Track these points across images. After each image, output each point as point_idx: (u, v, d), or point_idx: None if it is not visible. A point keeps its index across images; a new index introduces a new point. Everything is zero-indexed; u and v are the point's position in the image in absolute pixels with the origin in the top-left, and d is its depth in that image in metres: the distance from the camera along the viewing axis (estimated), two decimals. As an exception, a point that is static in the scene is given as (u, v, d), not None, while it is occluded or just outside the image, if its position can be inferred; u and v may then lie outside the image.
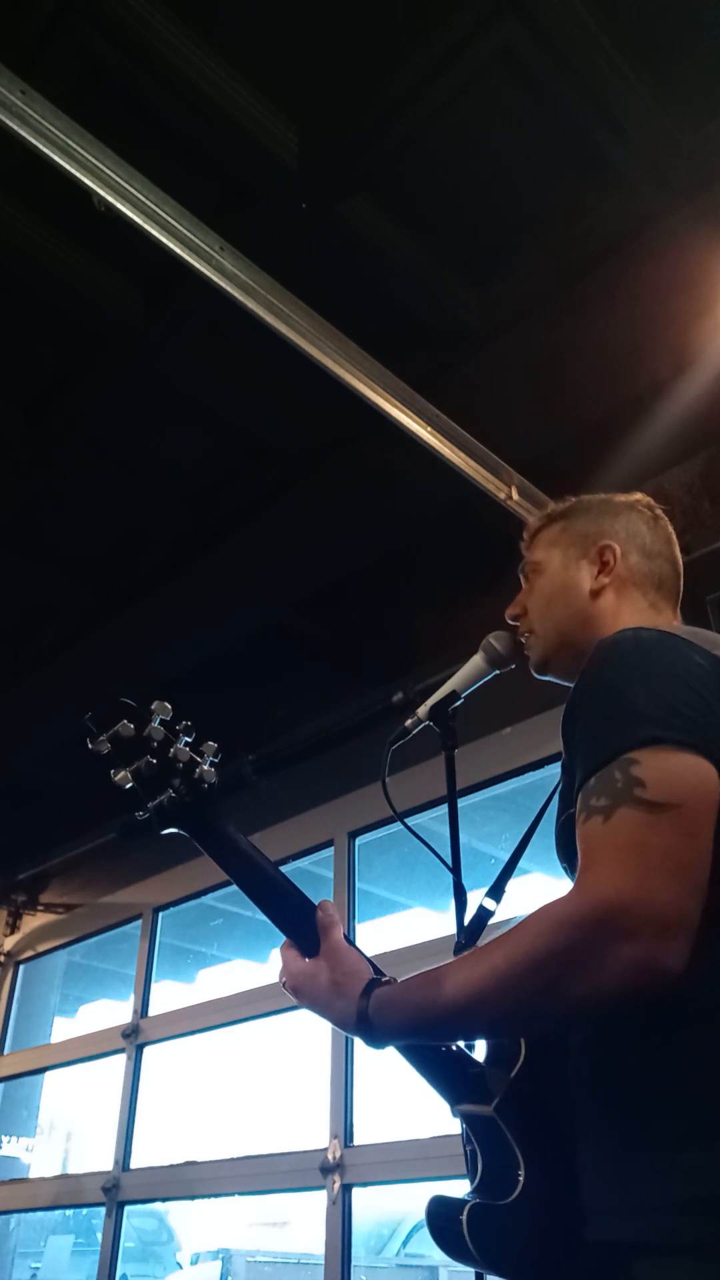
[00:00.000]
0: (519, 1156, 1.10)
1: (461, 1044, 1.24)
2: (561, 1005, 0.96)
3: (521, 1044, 1.15)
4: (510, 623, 1.50)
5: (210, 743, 1.26)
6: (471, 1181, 1.22)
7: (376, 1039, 1.11)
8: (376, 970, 1.18)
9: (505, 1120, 1.12)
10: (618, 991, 0.92)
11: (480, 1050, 1.23)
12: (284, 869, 1.25)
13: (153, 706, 1.23)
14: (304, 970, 1.20)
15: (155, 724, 1.21)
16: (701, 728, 1.01)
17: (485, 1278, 1.46)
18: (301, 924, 1.23)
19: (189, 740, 1.24)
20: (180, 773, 1.22)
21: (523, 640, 1.49)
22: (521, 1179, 1.08)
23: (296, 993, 1.21)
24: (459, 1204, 1.09)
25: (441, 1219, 1.11)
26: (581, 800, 1.02)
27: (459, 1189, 1.17)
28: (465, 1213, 1.07)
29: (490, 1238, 1.07)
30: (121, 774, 1.21)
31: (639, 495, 1.49)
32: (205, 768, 1.24)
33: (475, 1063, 1.22)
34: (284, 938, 1.25)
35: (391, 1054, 1.20)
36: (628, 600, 1.37)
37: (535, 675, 1.47)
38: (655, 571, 1.41)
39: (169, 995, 4.80)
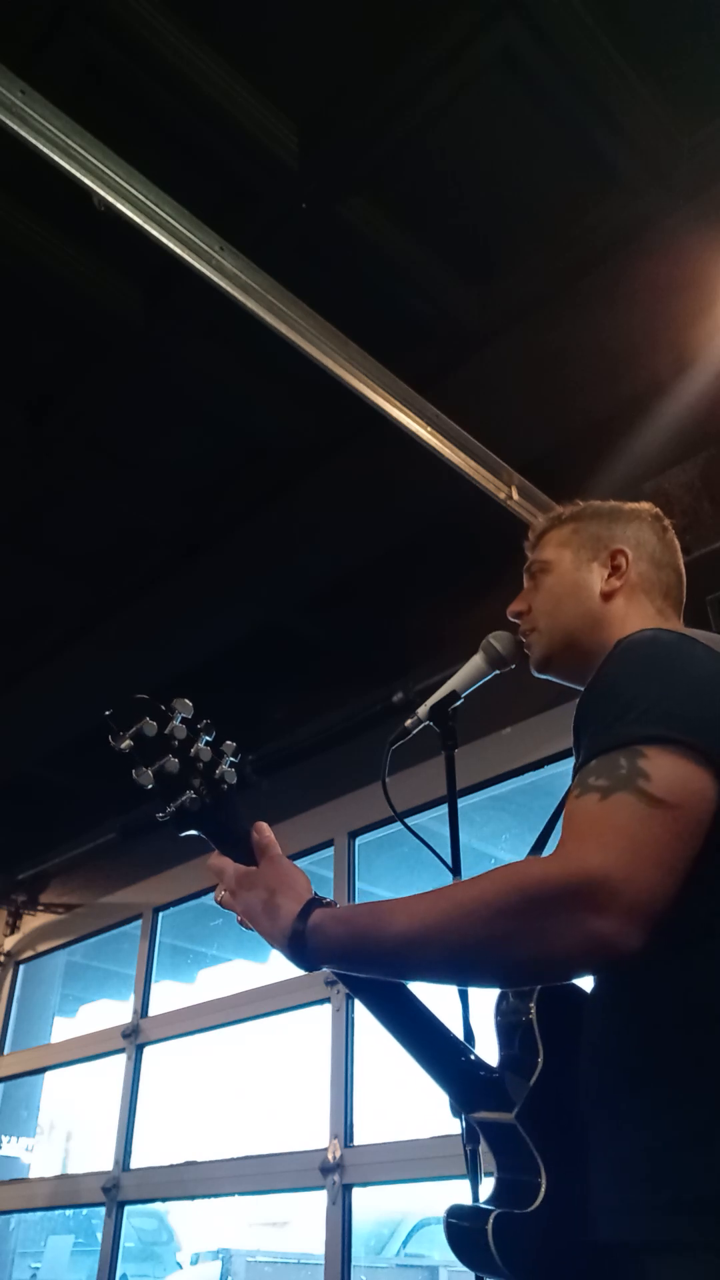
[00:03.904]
0: (540, 1164, 1.09)
1: (470, 1048, 1.24)
2: (512, 959, 0.98)
3: (540, 1051, 1.15)
4: (512, 620, 1.50)
5: (229, 742, 1.24)
6: (473, 1184, 1.22)
7: (307, 959, 1.09)
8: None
9: (526, 1128, 1.11)
10: (569, 959, 0.95)
11: (493, 1058, 1.22)
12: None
13: (174, 704, 1.20)
14: (243, 874, 1.18)
15: (177, 722, 1.19)
16: (707, 733, 1.02)
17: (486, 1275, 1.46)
18: None
19: (209, 739, 1.21)
20: (201, 773, 1.20)
21: (524, 639, 1.49)
22: (544, 1187, 1.07)
23: (233, 896, 1.19)
24: (482, 1213, 1.08)
25: (463, 1229, 1.09)
26: (579, 778, 1.03)
27: (459, 1189, 1.17)
28: (490, 1223, 1.06)
29: (515, 1247, 1.06)
30: (145, 774, 1.18)
31: (647, 505, 1.51)
32: (225, 768, 1.22)
33: (491, 1069, 1.21)
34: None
35: (394, 1054, 1.20)
36: (636, 605, 1.39)
37: (535, 673, 1.47)
38: (663, 581, 1.43)
39: (169, 995, 4.80)
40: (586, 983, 1.17)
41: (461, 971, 1.06)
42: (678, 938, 1.01)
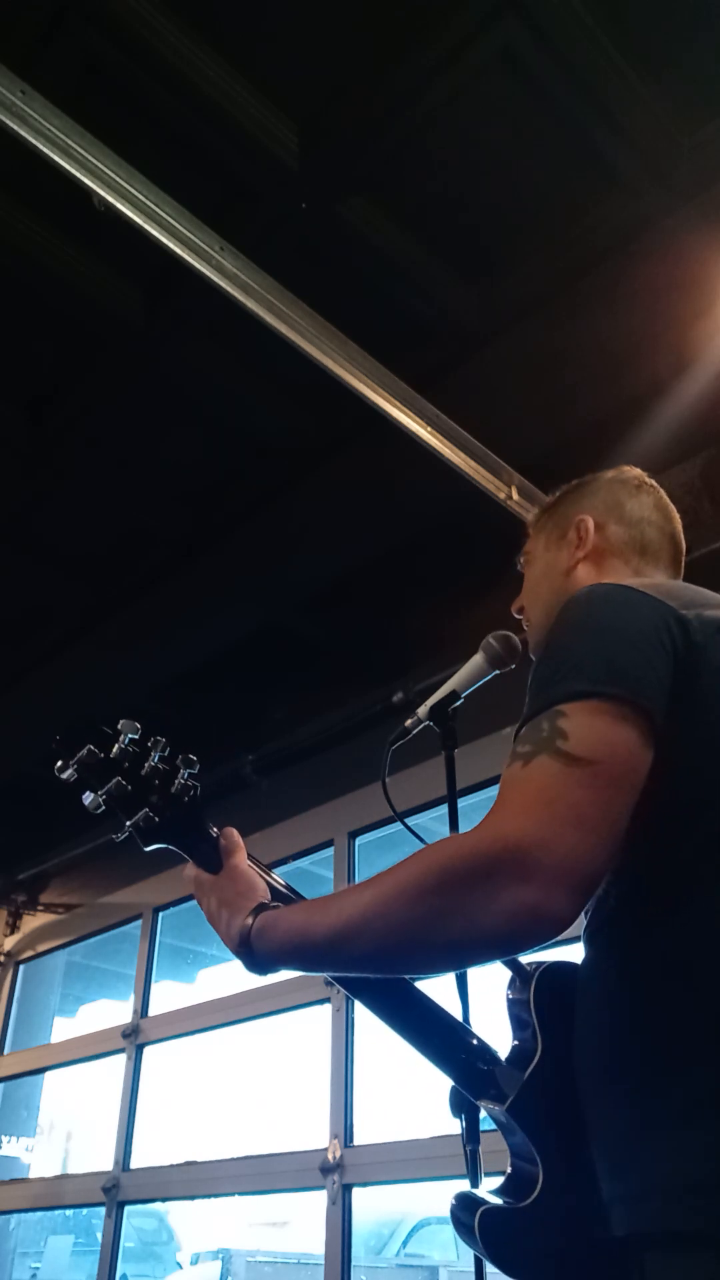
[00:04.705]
0: (537, 1157, 1.08)
1: (475, 1036, 1.23)
2: (441, 939, 0.95)
3: (538, 1042, 1.13)
4: (516, 616, 1.50)
5: (190, 755, 1.25)
6: (473, 1184, 1.22)
7: (257, 963, 1.10)
8: (282, 898, 1.18)
9: (520, 1120, 1.10)
10: (497, 933, 0.92)
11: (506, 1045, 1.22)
12: (284, 869, 1.26)
13: (119, 725, 1.21)
14: (203, 882, 1.21)
15: (123, 743, 1.20)
16: (634, 682, 0.99)
17: (486, 1276, 1.46)
18: None
19: (162, 755, 1.22)
20: (156, 789, 1.21)
21: (525, 630, 1.49)
22: (541, 1180, 1.06)
23: (199, 904, 1.22)
24: (475, 1205, 1.08)
25: (461, 1222, 1.10)
26: (512, 746, 1.02)
27: (459, 1189, 1.16)
28: (477, 1218, 1.06)
29: (504, 1241, 1.05)
30: (91, 799, 1.19)
31: (627, 467, 1.49)
32: (182, 781, 1.22)
33: (494, 1058, 1.20)
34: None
35: (394, 1054, 1.19)
36: (608, 570, 1.36)
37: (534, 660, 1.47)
38: (637, 538, 1.39)
39: (169, 995, 4.80)
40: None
41: (397, 959, 1.03)
42: (648, 900, 1.01)
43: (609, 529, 1.39)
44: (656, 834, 0.98)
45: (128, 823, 1.21)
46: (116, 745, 1.20)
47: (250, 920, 1.11)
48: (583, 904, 0.92)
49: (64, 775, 1.20)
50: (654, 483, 1.47)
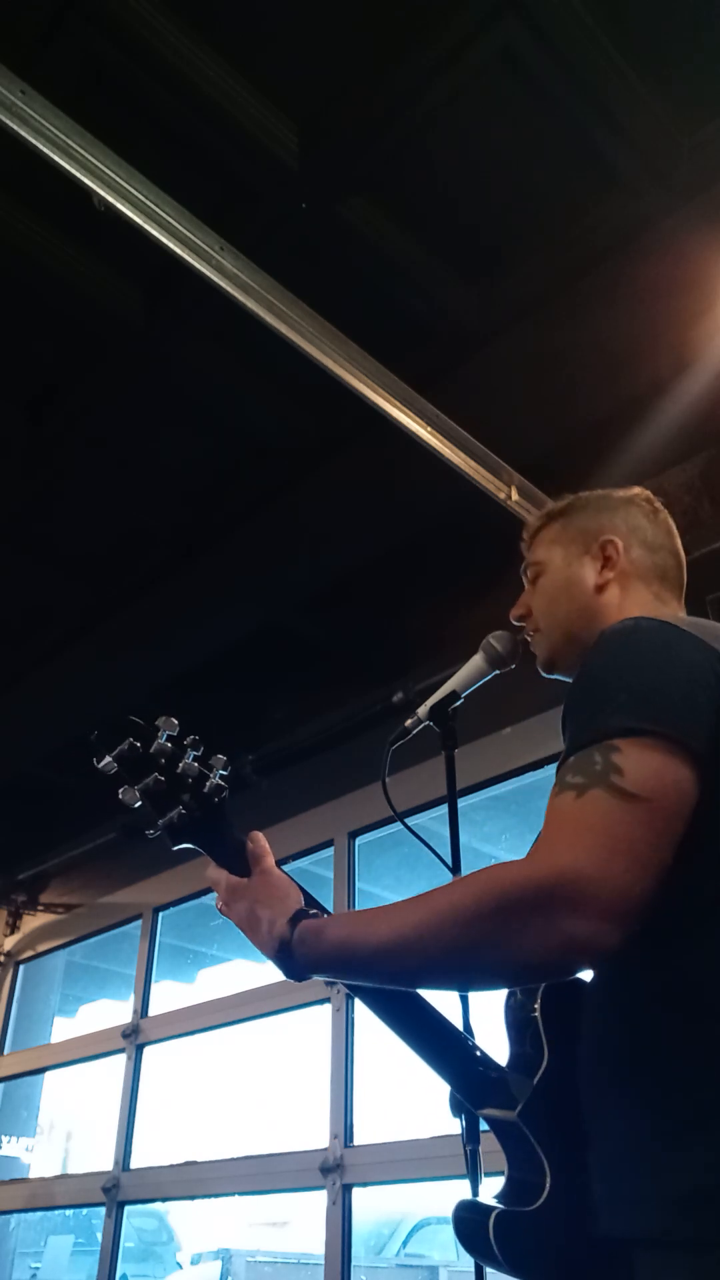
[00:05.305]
0: (544, 1162, 1.09)
1: (478, 1045, 1.24)
2: (490, 963, 0.98)
3: (545, 1049, 1.15)
4: (516, 624, 1.49)
5: (219, 755, 1.25)
6: (473, 1184, 1.22)
7: (295, 969, 1.11)
8: (313, 904, 1.18)
9: (529, 1126, 1.12)
10: (548, 961, 0.95)
11: (504, 1054, 1.23)
12: (284, 869, 1.26)
13: (158, 722, 1.22)
14: (234, 885, 1.21)
15: (162, 740, 1.21)
16: (684, 722, 1.01)
17: (486, 1276, 1.46)
18: None
19: (197, 755, 1.23)
20: (190, 788, 1.22)
21: (528, 639, 1.49)
22: (548, 1185, 1.08)
23: (228, 907, 1.22)
24: (486, 1210, 1.09)
25: (469, 1225, 1.11)
26: (559, 774, 1.03)
27: (459, 1189, 1.17)
28: (492, 1221, 1.07)
29: (516, 1244, 1.07)
30: (130, 792, 1.20)
31: (637, 489, 1.49)
32: (214, 781, 1.23)
33: (499, 1067, 1.22)
34: None
35: (394, 1054, 1.20)
36: (632, 593, 1.37)
37: (543, 674, 1.46)
38: (658, 564, 1.40)
39: (169, 995, 4.80)
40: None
41: (442, 977, 1.06)
42: (666, 925, 1.01)
43: (633, 552, 1.39)
44: (689, 864, 0.99)
45: (160, 820, 1.21)
46: (155, 741, 1.20)
47: (291, 927, 1.11)
48: (629, 937, 0.94)
49: (101, 765, 1.20)
50: (661, 505, 1.48)
